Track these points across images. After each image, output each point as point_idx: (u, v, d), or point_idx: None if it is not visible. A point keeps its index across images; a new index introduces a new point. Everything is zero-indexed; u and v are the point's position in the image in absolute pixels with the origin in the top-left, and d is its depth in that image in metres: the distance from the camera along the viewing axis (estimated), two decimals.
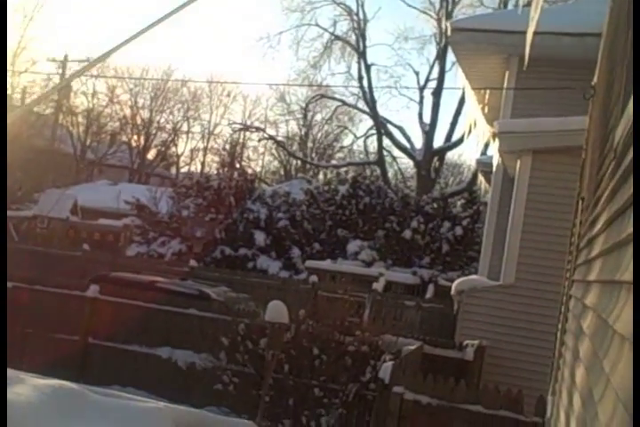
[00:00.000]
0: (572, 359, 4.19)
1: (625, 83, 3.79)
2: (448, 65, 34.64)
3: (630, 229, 2.16)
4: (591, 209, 4.68)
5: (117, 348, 10.23)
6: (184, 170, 52.02)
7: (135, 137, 51.52)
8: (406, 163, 42.42)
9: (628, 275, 2.07)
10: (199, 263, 19.29)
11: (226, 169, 28.66)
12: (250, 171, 40.88)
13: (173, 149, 54.49)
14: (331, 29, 38.93)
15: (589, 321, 3.26)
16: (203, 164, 52.91)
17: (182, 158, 55.34)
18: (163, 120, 52.38)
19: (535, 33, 7.34)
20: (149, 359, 10.02)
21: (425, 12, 37.78)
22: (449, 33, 13.63)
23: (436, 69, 36.43)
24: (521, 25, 8.00)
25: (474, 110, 16.57)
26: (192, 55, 72.47)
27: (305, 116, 48.12)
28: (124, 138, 51.57)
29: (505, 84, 13.45)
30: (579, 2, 20.06)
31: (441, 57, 35.58)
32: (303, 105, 46.77)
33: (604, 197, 3.65)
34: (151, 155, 52.60)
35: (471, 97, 16.16)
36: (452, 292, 10.83)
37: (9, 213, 22.85)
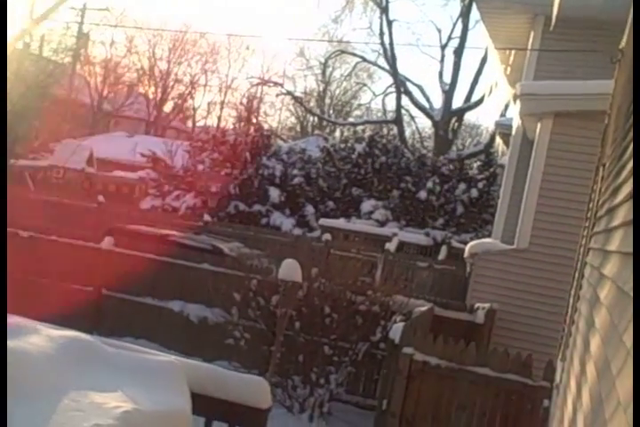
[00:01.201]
0: (585, 327, 4.16)
1: None
2: (472, 23, 34.04)
3: None
4: (614, 177, 4.60)
5: (131, 300, 10.32)
6: (200, 124, 51.92)
7: (152, 89, 51.30)
8: (424, 122, 42.11)
9: None
10: (213, 218, 19.34)
11: (242, 124, 28.51)
12: (266, 126, 40.73)
13: (190, 102, 54.31)
14: None
15: (607, 291, 3.22)
16: (219, 118, 52.73)
17: (199, 112, 55.19)
18: (180, 72, 52.12)
19: None
20: (162, 312, 10.11)
21: None
22: None
23: (459, 27, 35.84)
24: None
25: (496, 71, 16.32)
26: (212, 8, 71.50)
27: (324, 72, 47.70)
28: (142, 89, 51.37)
29: (529, 45, 13.19)
30: None
31: (465, 14, 34.91)
32: (322, 60, 46.34)
33: (629, 166, 3.58)
34: (168, 107, 52.46)
35: (494, 57, 15.90)
36: (465, 254, 10.81)
37: (25, 162, 22.87)
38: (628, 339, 2.00)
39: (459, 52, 34.53)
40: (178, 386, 4.96)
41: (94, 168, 27.53)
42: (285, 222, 21.58)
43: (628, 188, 3.30)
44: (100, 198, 19.40)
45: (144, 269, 10.41)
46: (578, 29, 12.28)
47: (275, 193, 22.12)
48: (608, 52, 6.61)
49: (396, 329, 7.21)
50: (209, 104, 54.74)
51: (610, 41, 7.43)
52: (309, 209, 22.37)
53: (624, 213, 3.31)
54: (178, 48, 50.61)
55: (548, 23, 12.17)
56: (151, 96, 50.77)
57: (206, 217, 18.47)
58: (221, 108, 53.42)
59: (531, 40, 13.17)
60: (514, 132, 13.20)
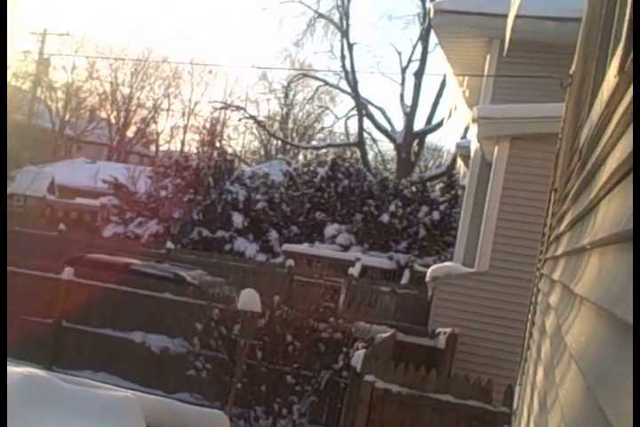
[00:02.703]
0: (536, 354, 4.19)
1: (594, 79, 3.75)
2: (431, 46, 34.53)
3: (586, 241, 2.14)
4: (561, 203, 4.67)
5: (91, 332, 10.18)
6: (163, 148, 51.73)
7: (115, 113, 51.06)
8: (386, 145, 42.41)
9: (579, 288, 2.06)
10: (176, 245, 19.21)
11: (205, 148, 28.48)
12: (230, 150, 40.72)
13: (153, 126, 54.13)
14: (314, 7, 38.66)
15: (551, 321, 3.25)
16: (182, 142, 52.61)
17: (162, 136, 55.00)
18: (143, 97, 52.00)
19: (517, 16, 7.30)
20: (123, 344, 9.98)
21: None
22: (432, 14, 13.53)
23: (419, 50, 36.34)
24: (503, 8, 7.95)
25: (455, 94, 16.53)
26: (174, 31, 71.63)
27: (286, 96, 47.90)
28: (104, 114, 51.11)
29: (486, 68, 13.40)
30: None
31: (424, 38, 35.43)
32: (285, 84, 46.54)
33: (570, 195, 3.63)
34: (131, 132, 52.21)
35: (452, 80, 16.12)
36: (427, 278, 10.86)
37: None
38: (559, 372, 2.02)
39: (419, 75, 34.96)
40: (134, 422, 4.89)
41: (55, 195, 27.25)
42: (249, 248, 21.50)
43: (569, 217, 3.35)
44: (61, 227, 19.18)
45: (105, 299, 10.29)
46: (532, 53, 12.51)
47: (238, 218, 22.06)
48: (562, 75, 6.73)
49: (358, 357, 7.20)
50: (172, 128, 54.62)
51: (563, 64, 7.58)
52: (273, 234, 22.34)
53: (565, 244, 3.35)
54: (140, 72, 50.56)
55: (503, 47, 12.38)
56: (113, 121, 50.53)
57: (169, 244, 18.35)
58: (184, 133, 53.35)
59: (487, 63, 13.38)
60: (473, 154, 13.34)
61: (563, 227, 3.87)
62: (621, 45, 2.11)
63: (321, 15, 38.55)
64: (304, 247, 20.18)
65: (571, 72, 6.42)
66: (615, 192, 1.94)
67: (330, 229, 21.84)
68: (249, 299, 7.18)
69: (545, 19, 12.27)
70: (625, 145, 1.99)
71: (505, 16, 7.54)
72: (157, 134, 54.57)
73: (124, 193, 23.70)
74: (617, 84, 2.15)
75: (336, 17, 38.06)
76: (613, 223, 1.73)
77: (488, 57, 13.29)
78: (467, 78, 15.26)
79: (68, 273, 10.55)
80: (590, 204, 2.47)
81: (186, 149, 48.23)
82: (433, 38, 32.13)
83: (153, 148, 53.92)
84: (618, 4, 2.89)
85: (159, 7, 68.26)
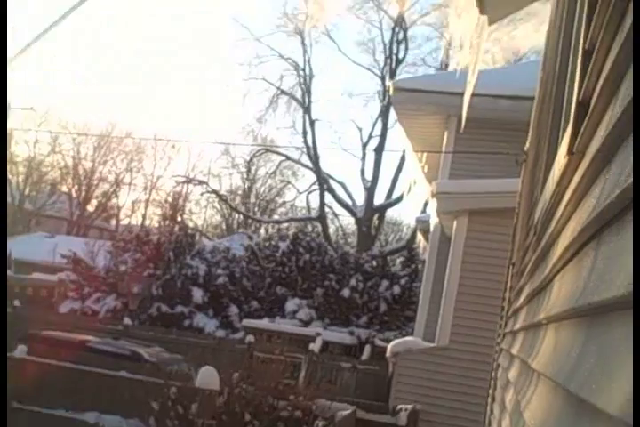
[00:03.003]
0: None
1: (547, 157, 3.85)
2: (391, 122, 35.31)
3: (542, 316, 2.16)
4: (518, 277, 4.71)
5: (43, 413, 9.82)
6: (124, 222, 51.43)
7: (76, 187, 50.86)
8: (347, 219, 42.71)
9: (536, 363, 2.06)
10: (134, 321, 18.86)
11: (167, 222, 28.38)
12: (191, 224, 40.61)
13: (114, 200, 53.97)
14: (277, 84, 39.46)
15: (510, 397, 3.22)
16: (144, 216, 52.39)
17: (123, 210, 54.77)
18: (105, 171, 51.99)
19: (473, 95, 7.52)
20: (76, 425, 9.63)
21: (369, 70, 38.64)
22: (391, 92, 13.88)
23: (379, 126, 37.13)
24: (460, 87, 8.19)
25: (414, 169, 16.80)
26: (138, 105, 72.32)
27: (249, 170, 48.26)
28: (65, 188, 50.87)
29: (444, 144, 13.69)
30: (516, 65, 20.76)
31: (384, 114, 36.27)
32: (247, 158, 46.96)
33: (527, 270, 3.67)
34: (91, 206, 51.92)
35: (411, 155, 16.41)
36: (388, 353, 10.76)
37: None
38: None
39: (379, 151, 35.62)
40: None
41: (12, 270, 26.76)
42: (209, 324, 21.18)
43: (526, 292, 3.38)
44: (16, 303, 18.75)
45: (59, 378, 9.99)
46: (488, 129, 12.84)
47: (198, 293, 21.81)
48: (517, 151, 6.90)
49: None
50: (133, 203, 54.47)
51: (518, 140, 7.78)
52: (233, 309, 22.08)
53: (522, 318, 3.36)
54: (103, 147, 50.71)
55: (460, 124, 12.70)
56: (74, 195, 50.27)
57: (127, 320, 18.00)
58: (146, 207, 53.20)
59: (445, 140, 13.68)
60: (432, 228, 13.47)
61: (520, 301, 3.89)
62: (570, 128, 2.18)
63: (283, 92, 39.35)
64: (264, 323, 19.94)
65: (525, 149, 6.60)
66: (568, 268, 1.97)
67: (291, 304, 21.67)
68: (207, 377, 7.04)
69: (500, 97, 12.66)
70: (576, 222, 2.03)
71: (462, 94, 7.76)
72: (118, 208, 54.37)
73: (83, 268, 23.37)
74: (567, 164, 2.21)
75: (298, 93, 38.92)
76: (567, 299, 1.75)
77: (446, 133, 13.61)
78: (425, 154, 15.57)
79: (20, 351, 10.27)
80: (545, 279, 2.50)
81: (147, 223, 48.08)
82: (393, 115, 32.97)
83: (114, 222, 53.60)
84: (567, 86, 3.00)
85: (123, 82, 69.11)
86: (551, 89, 4.05)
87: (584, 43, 2.02)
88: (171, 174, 50.30)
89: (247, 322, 19.87)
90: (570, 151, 2.15)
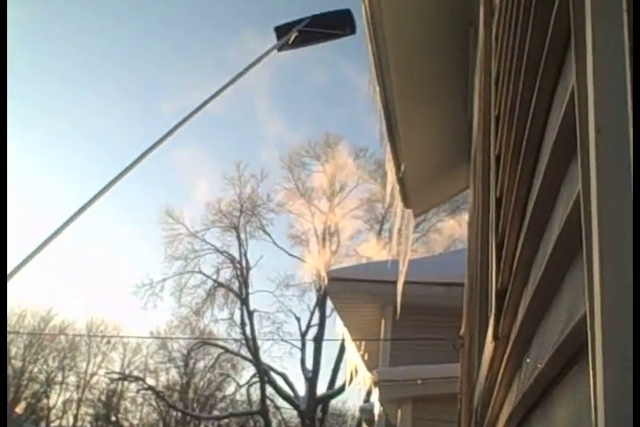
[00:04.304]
0: None
1: (479, 342, 3.96)
2: (328, 311, 35.49)
3: None
4: None
5: None
6: (54, 424, 48.62)
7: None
8: (290, 412, 41.31)
9: None
10: None
11: (100, 422, 27.02)
12: (127, 424, 38.67)
13: (45, 401, 51.31)
14: (214, 276, 39.71)
15: None
16: (75, 417, 49.64)
17: (54, 411, 51.95)
18: (36, 370, 49.91)
19: (407, 282, 7.75)
20: None
21: (304, 261, 39.42)
22: (326, 282, 14.15)
23: (317, 315, 37.22)
24: (393, 275, 8.45)
25: (354, 357, 16.71)
26: (72, 298, 71.05)
27: (186, 364, 47.00)
28: None
29: (382, 332, 13.78)
30: (449, 252, 21.57)
31: (321, 303, 36.55)
32: (185, 352, 45.93)
33: None
34: (20, 409, 49.19)
35: (351, 344, 16.39)
36: None
37: None
38: None
39: (318, 340, 35.43)
40: None
41: None
42: None
43: None
44: None
45: None
46: (424, 316, 13.04)
47: None
48: (454, 336, 7.01)
49: None
50: (65, 402, 51.85)
51: (454, 325, 7.92)
52: None
53: None
54: (35, 344, 49.16)
55: (395, 311, 12.89)
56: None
57: None
58: (78, 407, 50.63)
59: (383, 327, 13.79)
60: (377, 418, 13.18)
61: None
62: (493, 315, 2.31)
63: (220, 284, 39.57)
64: None
65: (461, 334, 6.72)
66: None
67: None
68: None
69: (433, 284, 13.02)
70: (507, 409, 2.10)
71: (395, 282, 8.00)
72: (49, 409, 51.60)
73: None
74: (494, 349, 2.32)
75: (235, 286, 39.17)
76: None
77: (383, 321, 13.75)
78: (364, 342, 15.59)
79: None
80: None
81: (79, 424, 45.58)
82: (330, 304, 33.24)
83: (43, 424, 50.63)
84: (488, 274, 3.17)
85: (55, 274, 68.50)
86: (476, 276, 4.26)
87: (496, 236, 2.20)
88: (105, 371, 48.66)
89: None
90: (495, 336, 2.26)
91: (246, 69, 3.60)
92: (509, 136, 1.83)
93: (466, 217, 8.20)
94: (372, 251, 36.41)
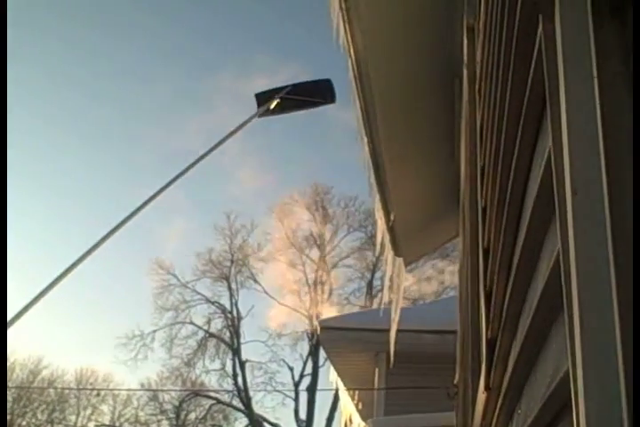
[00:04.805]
0: None
1: (472, 391, 3.94)
2: (321, 360, 35.14)
3: None
4: None
5: None
6: None
7: None
8: None
9: None
10: None
11: None
12: None
13: None
14: (205, 327, 39.37)
15: None
16: None
17: None
18: (24, 423, 48.92)
19: (400, 331, 7.71)
20: None
21: (296, 310, 39.16)
22: (318, 331, 14.06)
23: (310, 365, 36.81)
24: (386, 323, 8.41)
25: (348, 406, 16.52)
26: (62, 350, 70.17)
27: (178, 416, 46.22)
28: None
29: (376, 381, 13.64)
30: (442, 300, 21.51)
31: (314, 353, 36.20)
32: (176, 404, 45.22)
33: None
34: None
35: (344, 393, 16.21)
36: None
37: None
38: None
39: (312, 389, 34.99)
40: None
41: None
42: None
43: None
44: None
45: None
46: (418, 364, 12.93)
47: None
48: (448, 384, 6.95)
49: None
50: None
51: (447, 373, 7.86)
52: None
53: None
54: (23, 398, 48.31)
55: (389, 359, 12.78)
56: None
57: None
58: None
59: (376, 376, 13.66)
60: None
61: None
62: (484, 365, 2.31)
63: (212, 335, 39.21)
64: None
65: (455, 382, 6.67)
66: None
67: None
68: None
69: (426, 332, 12.95)
70: None
71: (388, 331, 7.97)
72: None
73: None
74: (486, 399, 2.31)
75: (227, 336, 38.82)
76: None
77: (377, 369, 13.63)
78: (358, 391, 15.42)
79: None
80: None
81: None
82: (323, 353, 32.92)
83: None
84: (479, 323, 3.17)
85: (45, 327, 67.68)
86: (468, 324, 4.25)
87: (484, 286, 2.23)
88: (95, 424, 47.77)
89: None
90: (487, 387, 2.26)
91: (228, 136, 3.67)
92: (494, 190, 1.87)
93: (457, 265, 8.23)
94: (364, 299, 36.32)
